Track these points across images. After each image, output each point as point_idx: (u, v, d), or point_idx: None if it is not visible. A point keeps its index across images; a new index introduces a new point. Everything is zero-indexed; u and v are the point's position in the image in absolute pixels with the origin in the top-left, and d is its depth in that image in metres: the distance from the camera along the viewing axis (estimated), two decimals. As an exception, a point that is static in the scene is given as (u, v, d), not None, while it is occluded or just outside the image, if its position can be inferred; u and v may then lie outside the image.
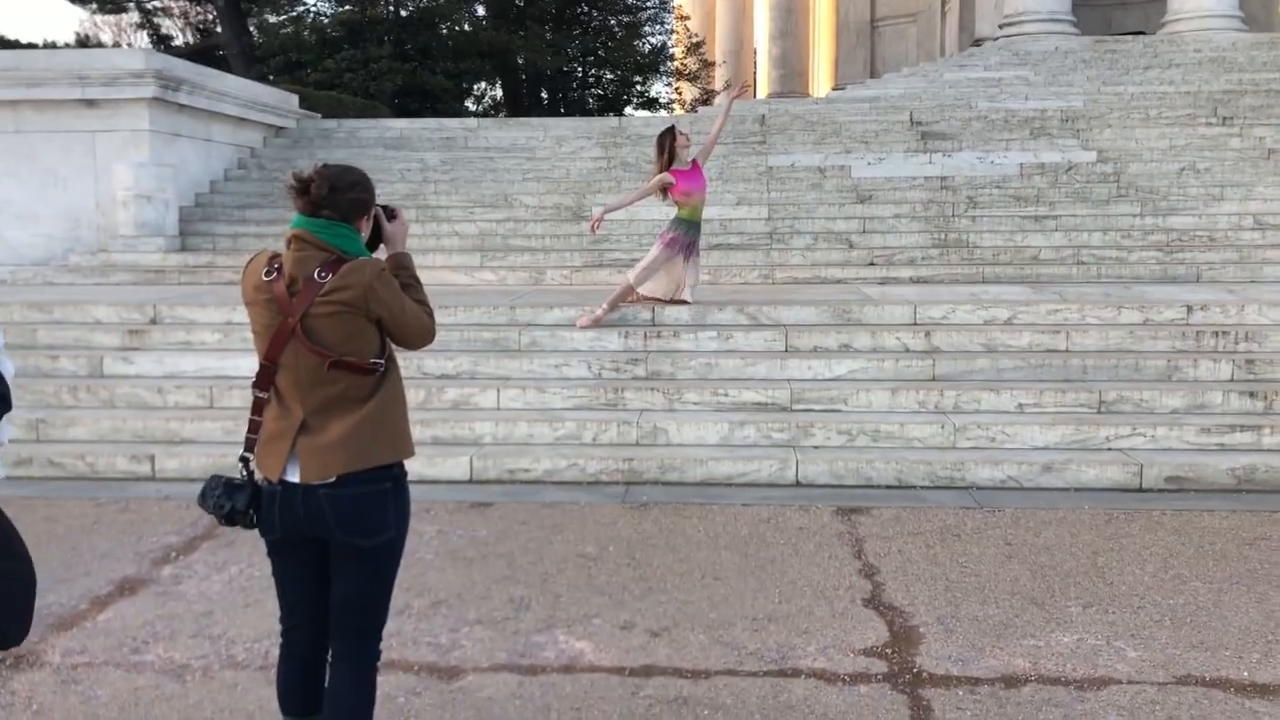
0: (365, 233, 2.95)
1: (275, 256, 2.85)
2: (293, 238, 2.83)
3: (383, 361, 2.87)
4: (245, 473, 2.90)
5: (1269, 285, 10.19)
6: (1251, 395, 7.28)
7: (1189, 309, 8.36)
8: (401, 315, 2.85)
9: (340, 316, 2.76)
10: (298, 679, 3.02)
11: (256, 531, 2.93)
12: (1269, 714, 3.68)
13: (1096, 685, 3.91)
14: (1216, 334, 7.96)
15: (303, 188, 2.81)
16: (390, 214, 3.04)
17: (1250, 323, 8.27)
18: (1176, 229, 11.65)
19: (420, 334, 2.92)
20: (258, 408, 2.88)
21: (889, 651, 4.22)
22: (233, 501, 2.84)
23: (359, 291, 2.76)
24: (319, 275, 2.77)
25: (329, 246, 2.81)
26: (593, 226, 8.54)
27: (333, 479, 2.78)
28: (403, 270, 2.97)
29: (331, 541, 2.86)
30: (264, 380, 2.85)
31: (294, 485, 2.81)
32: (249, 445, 2.90)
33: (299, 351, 2.78)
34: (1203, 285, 10.28)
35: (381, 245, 3.04)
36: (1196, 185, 12.56)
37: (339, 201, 2.83)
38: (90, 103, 12.01)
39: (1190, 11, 21.13)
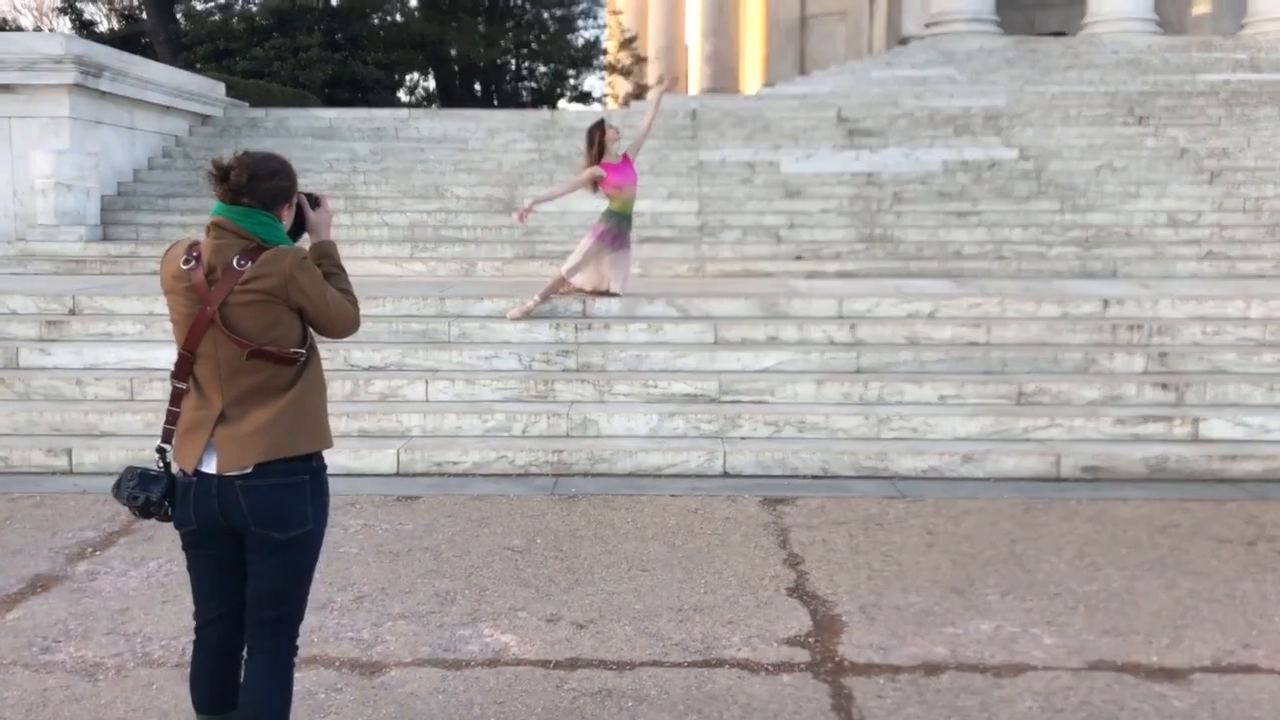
0: (288, 221, 2.93)
1: (194, 244, 2.82)
2: (212, 225, 2.80)
3: (304, 351, 2.84)
4: (162, 464, 2.87)
5: (1180, 280, 10.47)
6: (1164, 387, 7.49)
7: (1105, 303, 8.58)
8: (324, 304, 2.83)
9: (260, 305, 2.74)
10: (213, 675, 2.97)
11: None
12: (1177, 697, 3.80)
13: (1013, 672, 4.00)
14: (1131, 327, 8.17)
15: (222, 175, 2.78)
16: (314, 201, 3.01)
17: (1163, 316, 8.51)
18: (1094, 225, 11.92)
19: (343, 323, 2.90)
20: (176, 398, 2.85)
21: (812, 641, 4.27)
22: (147, 493, 2.80)
23: (279, 280, 2.74)
24: (238, 263, 2.74)
25: (248, 234, 2.78)
26: (521, 216, 8.50)
27: (250, 469, 2.75)
28: (325, 259, 2.95)
29: (247, 534, 2.82)
30: (182, 370, 2.81)
31: (209, 476, 2.77)
32: (166, 436, 2.87)
33: (218, 340, 2.75)
34: (1119, 280, 10.54)
35: (305, 233, 3.01)
36: (1114, 183, 12.86)
37: (259, 189, 2.81)
38: (6, 88, 11.64)
39: (1109, 14, 21.69)
